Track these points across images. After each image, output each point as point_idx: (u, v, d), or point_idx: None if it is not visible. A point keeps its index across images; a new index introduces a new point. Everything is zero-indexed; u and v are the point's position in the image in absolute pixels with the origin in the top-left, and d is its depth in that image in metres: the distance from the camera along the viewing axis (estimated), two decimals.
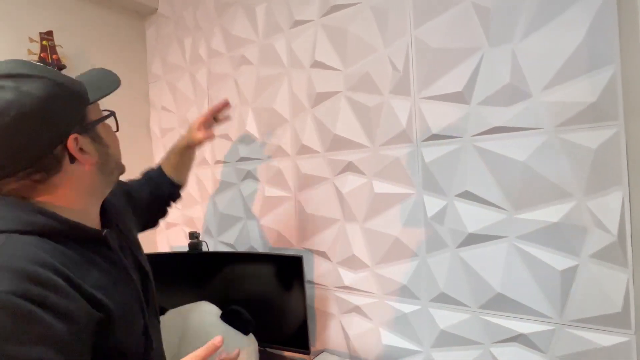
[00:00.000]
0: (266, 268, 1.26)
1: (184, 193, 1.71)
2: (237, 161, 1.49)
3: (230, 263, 1.32)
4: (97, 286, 0.53)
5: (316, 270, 1.28)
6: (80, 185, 0.58)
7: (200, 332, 1.12)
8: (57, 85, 0.53)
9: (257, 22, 1.40)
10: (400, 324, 1.11)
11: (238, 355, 0.70)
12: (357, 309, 1.20)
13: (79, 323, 0.49)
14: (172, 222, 1.75)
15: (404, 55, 1.07)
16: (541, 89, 0.88)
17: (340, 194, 1.21)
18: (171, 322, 1.16)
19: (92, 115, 0.59)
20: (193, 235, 1.40)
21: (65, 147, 0.54)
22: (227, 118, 1.15)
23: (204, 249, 1.44)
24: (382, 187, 1.13)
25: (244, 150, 1.46)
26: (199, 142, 1.05)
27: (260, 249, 1.43)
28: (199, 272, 1.35)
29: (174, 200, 1.06)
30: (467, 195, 0.98)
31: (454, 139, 1.00)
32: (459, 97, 0.98)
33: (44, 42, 1.37)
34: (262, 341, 1.23)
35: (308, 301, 1.24)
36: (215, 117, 1.10)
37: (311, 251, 1.29)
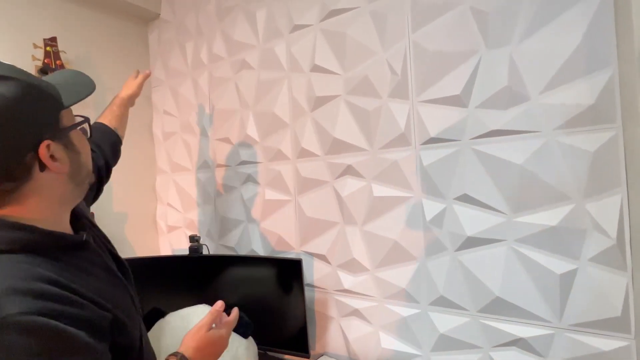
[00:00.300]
0: (265, 271, 1.27)
1: (185, 197, 1.72)
2: (237, 164, 1.50)
3: (229, 266, 1.33)
4: (95, 291, 0.53)
5: (316, 274, 1.28)
6: (51, 195, 0.54)
7: None
8: (30, 87, 0.49)
9: (258, 26, 1.41)
10: (400, 327, 1.11)
11: (237, 314, 0.76)
12: (356, 313, 1.20)
13: (100, 329, 0.50)
14: (173, 225, 1.76)
15: (402, 59, 1.07)
16: (539, 92, 0.88)
17: (340, 197, 1.21)
18: (171, 325, 1.17)
19: (66, 121, 0.55)
20: (193, 239, 1.41)
21: (37, 154, 0.50)
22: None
23: (205, 252, 1.45)
24: (381, 190, 1.13)
25: (244, 154, 1.47)
26: (135, 95, 1.12)
27: (261, 252, 1.44)
28: (199, 276, 1.36)
29: (118, 155, 1.03)
30: (465, 199, 0.98)
31: (452, 142, 1.00)
32: (457, 101, 0.99)
33: (48, 48, 1.39)
34: (261, 344, 1.23)
35: (308, 304, 1.24)
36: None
37: (311, 254, 1.30)
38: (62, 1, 1.55)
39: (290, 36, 1.32)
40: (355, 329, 1.20)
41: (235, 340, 1.13)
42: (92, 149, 0.92)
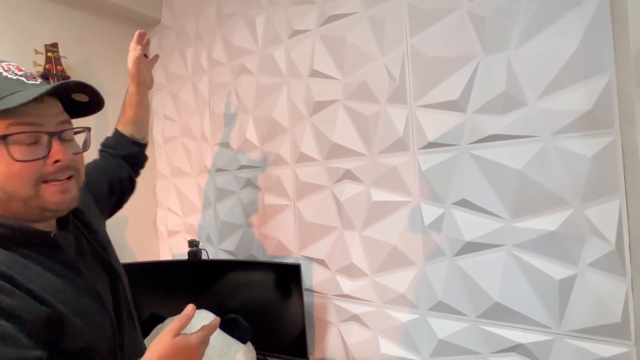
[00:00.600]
0: (264, 276, 1.27)
1: (185, 201, 1.72)
2: (237, 169, 1.50)
3: (228, 271, 1.33)
4: (41, 285, 0.53)
5: (315, 278, 1.28)
6: None
7: None
8: None
9: (257, 32, 1.42)
10: (399, 333, 1.11)
11: (217, 323, 0.68)
12: (355, 318, 1.19)
13: (25, 319, 0.49)
14: (173, 229, 1.76)
15: (400, 64, 1.07)
16: (537, 97, 0.88)
17: (339, 202, 1.21)
18: None
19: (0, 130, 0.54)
20: (192, 244, 1.41)
21: None
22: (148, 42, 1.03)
23: (204, 257, 1.45)
24: (379, 195, 1.13)
25: (244, 159, 1.47)
26: (142, 82, 0.97)
27: (260, 256, 1.43)
28: (198, 280, 1.36)
29: (141, 164, 0.98)
30: (464, 204, 0.98)
31: (450, 147, 1.00)
32: (454, 105, 0.99)
33: (49, 54, 1.40)
34: (260, 349, 1.23)
35: (307, 309, 1.23)
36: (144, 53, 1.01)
37: (310, 259, 1.29)
38: (64, 7, 1.57)
39: (289, 41, 1.32)
40: (354, 334, 1.20)
41: (234, 345, 1.13)
42: (116, 162, 0.93)
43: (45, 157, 0.56)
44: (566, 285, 0.86)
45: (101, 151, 0.95)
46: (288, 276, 1.20)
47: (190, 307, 0.62)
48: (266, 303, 1.25)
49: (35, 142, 0.56)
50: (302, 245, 1.31)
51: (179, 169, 1.74)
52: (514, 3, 0.90)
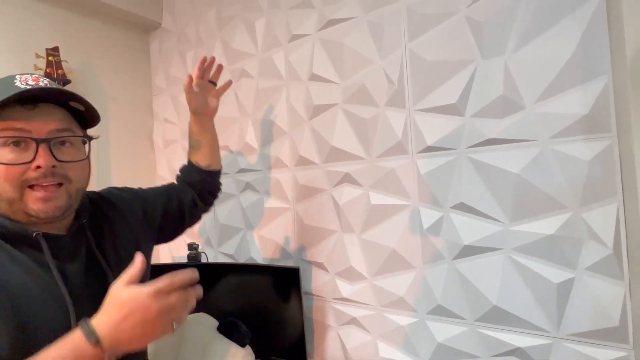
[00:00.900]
0: (263, 279, 1.27)
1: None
2: (236, 172, 1.50)
3: (227, 274, 1.33)
4: (7, 278, 0.55)
5: (314, 282, 1.28)
6: None
7: (197, 343, 1.12)
8: None
9: (257, 36, 1.42)
10: (398, 336, 1.11)
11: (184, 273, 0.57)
12: (354, 321, 1.19)
13: None
14: None
15: (399, 68, 1.08)
16: (534, 101, 0.88)
17: (338, 205, 1.21)
18: None
19: None
20: (191, 247, 1.41)
21: None
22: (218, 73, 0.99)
23: (203, 260, 1.45)
24: (378, 198, 1.13)
25: (243, 162, 1.48)
26: (195, 108, 0.94)
27: (259, 259, 1.44)
28: (197, 283, 1.36)
29: (210, 192, 0.96)
30: (462, 207, 0.98)
31: (448, 151, 1.00)
32: (453, 109, 0.99)
33: (50, 58, 1.41)
34: (259, 353, 1.23)
35: (306, 313, 1.24)
36: (209, 80, 0.98)
37: (309, 262, 1.30)
38: (65, 11, 1.58)
39: (289, 45, 1.33)
40: (354, 338, 1.20)
41: (233, 348, 1.13)
42: (181, 187, 0.93)
43: (29, 162, 0.57)
44: (564, 289, 0.86)
45: (177, 175, 0.98)
46: (287, 279, 1.20)
47: (138, 257, 0.55)
48: (265, 306, 1.25)
49: (24, 147, 0.58)
50: (301, 249, 1.31)
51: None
52: (511, 8, 0.90)
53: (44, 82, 0.61)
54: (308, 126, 1.28)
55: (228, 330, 1.15)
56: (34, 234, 0.59)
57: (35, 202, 0.58)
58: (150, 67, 1.89)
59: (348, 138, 1.19)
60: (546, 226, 0.88)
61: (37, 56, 1.40)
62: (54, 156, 0.59)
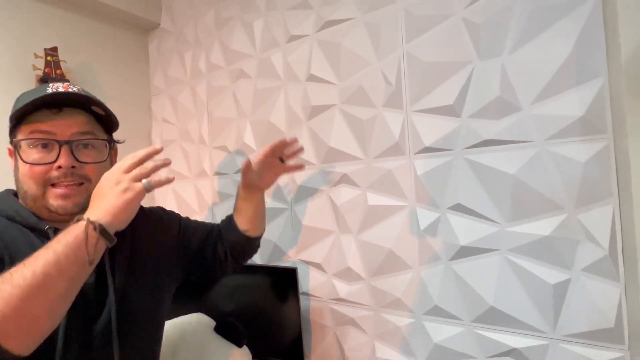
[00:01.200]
0: (261, 280, 1.27)
1: (183, 204, 1.73)
2: (235, 173, 1.50)
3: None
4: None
5: (311, 282, 1.28)
6: (16, 179, 0.66)
7: (194, 344, 1.12)
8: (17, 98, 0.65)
9: (255, 36, 1.43)
10: (395, 337, 1.11)
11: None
12: (352, 322, 1.19)
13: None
14: None
15: (396, 69, 1.08)
16: (530, 102, 0.89)
17: (335, 206, 1.21)
18: (165, 334, 1.17)
19: (20, 135, 0.64)
20: None
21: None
22: (295, 158, 0.94)
23: None
24: (375, 199, 1.13)
25: (241, 162, 1.47)
26: (248, 184, 0.89)
27: (257, 260, 1.44)
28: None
29: (243, 253, 0.92)
30: (459, 208, 0.98)
31: (445, 152, 1.01)
32: (450, 110, 0.99)
33: (49, 58, 1.41)
34: (256, 353, 1.23)
35: (303, 313, 1.23)
36: (280, 157, 0.93)
37: (306, 263, 1.30)
38: (63, 11, 1.58)
39: (287, 46, 1.33)
40: (351, 339, 1.20)
41: (230, 349, 1.13)
42: (220, 236, 0.90)
43: (52, 162, 0.63)
44: (560, 290, 0.86)
45: (221, 221, 0.95)
46: (284, 280, 1.20)
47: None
48: (262, 307, 1.25)
49: (50, 149, 0.64)
50: (299, 249, 1.32)
51: (177, 172, 1.74)
52: (508, 9, 0.91)
53: (73, 89, 0.66)
54: (306, 127, 1.29)
55: (225, 330, 1.15)
56: (46, 227, 0.62)
57: (55, 199, 0.63)
58: (149, 68, 1.89)
59: (345, 139, 1.19)
60: (542, 227, 0.88)
61: (36, 56, 1.40)
62: (74, 157, 0.64)
